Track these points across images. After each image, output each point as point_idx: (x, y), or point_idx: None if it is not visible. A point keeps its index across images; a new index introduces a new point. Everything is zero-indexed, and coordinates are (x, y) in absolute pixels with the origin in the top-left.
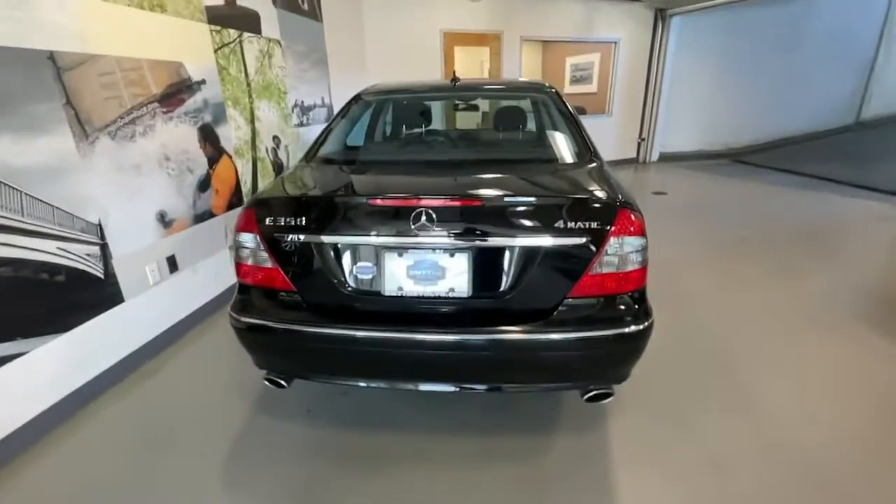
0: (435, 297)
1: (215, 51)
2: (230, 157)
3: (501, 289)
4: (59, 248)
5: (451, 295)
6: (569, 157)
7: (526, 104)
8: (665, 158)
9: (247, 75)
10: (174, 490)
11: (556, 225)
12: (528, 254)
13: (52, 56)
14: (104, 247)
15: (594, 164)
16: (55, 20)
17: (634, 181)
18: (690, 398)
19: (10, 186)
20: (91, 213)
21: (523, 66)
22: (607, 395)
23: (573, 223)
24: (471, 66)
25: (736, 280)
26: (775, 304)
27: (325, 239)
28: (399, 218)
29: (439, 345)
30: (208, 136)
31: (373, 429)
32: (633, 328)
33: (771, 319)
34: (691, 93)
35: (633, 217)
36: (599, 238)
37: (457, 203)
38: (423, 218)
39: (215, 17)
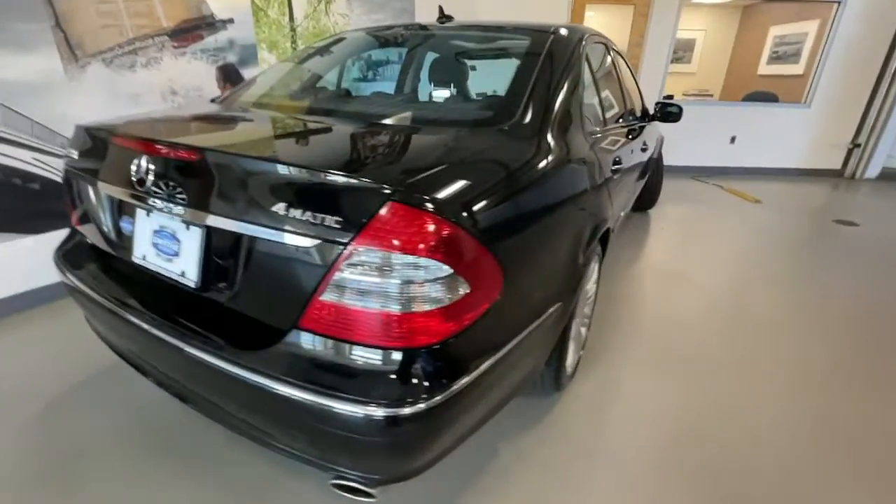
0: (168, 278)
1: None
2: None
3: (226, 288)
4: (34, 158)
5: (181, 280)
6: (478, 120)
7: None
8: (889, 177)
9: (292, 19)
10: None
11: (283, 209)
12: (255, 246)
13: None
14: None
15: (505, 135)
16: None
17: (816, 201)
18: None
19: None
20: None
21: (704, 41)
22: (364, 494)
23: (307, 211)
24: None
25: None
26: None
27: (82, 180)
28: (131, 165)
29: (158, 341)
30: (230, 77)
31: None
32: (385, 411)
33: None
34: None
35: (415, 220)
36: (340, 243)
37: (171, 153)
38: (142, 167)
39: None
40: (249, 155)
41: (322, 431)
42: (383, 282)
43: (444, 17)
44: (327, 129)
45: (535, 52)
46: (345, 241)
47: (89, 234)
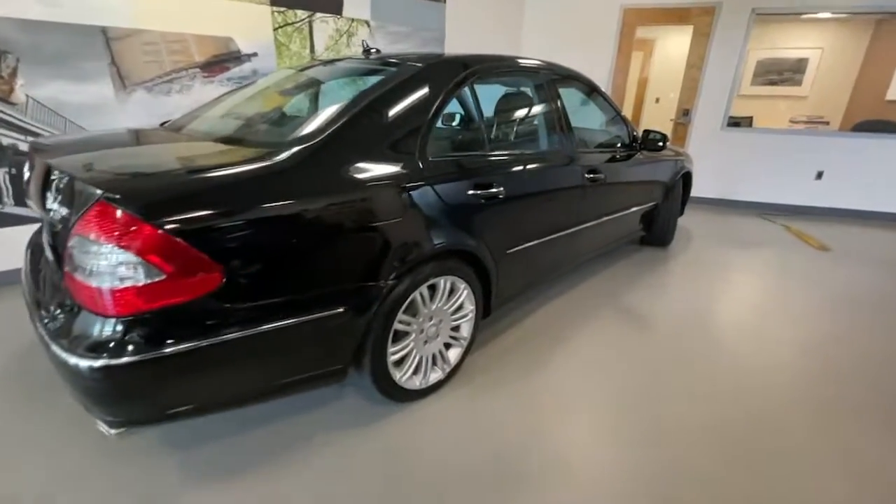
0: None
1: (275, 29)
2: None
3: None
4: None
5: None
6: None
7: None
8: None
9: (312, 51)
10: None
11: (51, 200)
12: (54, 227)
13: (104, 30)
14: None
15: (271, 156)
16: (111, 5)
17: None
18: None
19: (57, 113)
20: None
21: (820, 60)
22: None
23: (64, 204)
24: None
25: None
26: None
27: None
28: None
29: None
30: None
31: None
32: (68, 356)
33: None
34: None
35: (118, 216)
36: (69, 230)
37: (33, 159)
38: (32, 167)
39: (280, 0)
40: (51, 164)
41: (62, 373)
42: (98, 263)
43: (367, 50)
44: (155, 145)
45: (379, 84)
46: (70, 227)
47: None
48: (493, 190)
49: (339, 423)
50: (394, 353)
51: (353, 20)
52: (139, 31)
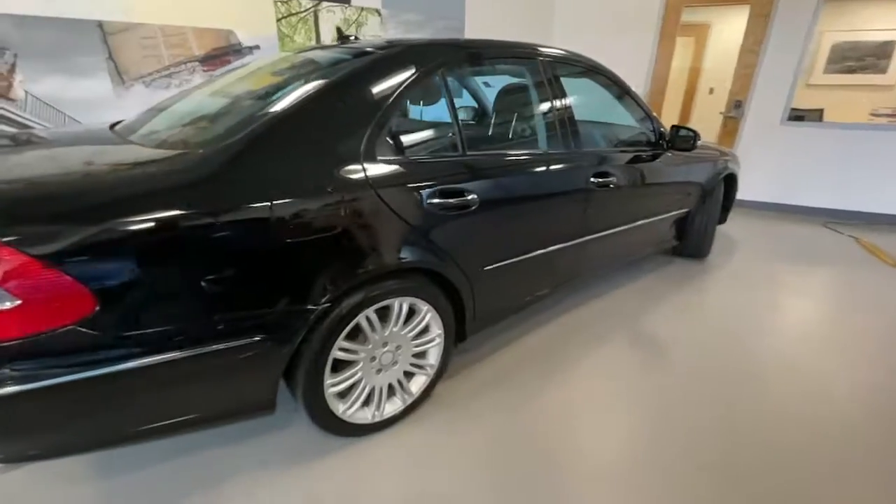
0: None
1: (278, 20)
2: None
3: None
4: None
5: None
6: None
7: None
8: None
9: (318, 42)
10: None
11: None
12: None
13: (100, 24)
14: None
15: (176, 162)
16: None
17: None
18: None
19: (55, 108)
20: None
21: None
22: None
23: None
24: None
25: None
26: None
27: None
28: None
29: None
30: None
31: None
32: None
33: None
34: None
35: None
36: None
37: None
38: None
39: None
40: None
41: None
42: None
43: (345, 37)
44: (63, 150)
45: (320, 77)
46: None
47: None
48: (467, 198)
49: (277, 456)
50: (334, 384)
51: (362, 9)
52: (136, 25)
